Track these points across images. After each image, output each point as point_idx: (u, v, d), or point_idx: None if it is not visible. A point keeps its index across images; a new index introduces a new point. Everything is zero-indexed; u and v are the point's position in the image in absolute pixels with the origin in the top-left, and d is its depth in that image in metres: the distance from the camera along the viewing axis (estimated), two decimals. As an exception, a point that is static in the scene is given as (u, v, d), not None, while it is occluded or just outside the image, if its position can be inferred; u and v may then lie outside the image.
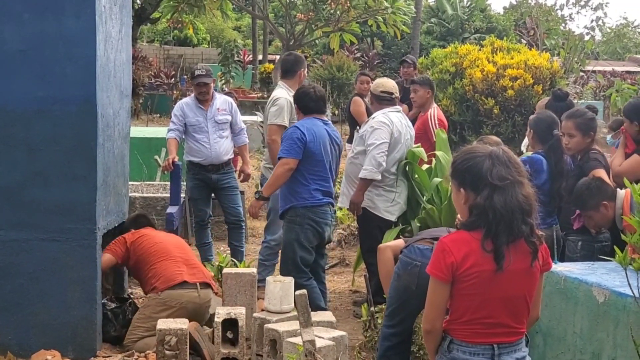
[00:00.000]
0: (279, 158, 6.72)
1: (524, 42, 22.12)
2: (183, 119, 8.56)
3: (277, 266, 8.27)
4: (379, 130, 7.27)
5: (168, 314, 6.08)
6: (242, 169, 9.17)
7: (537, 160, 6.48)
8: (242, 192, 11.48)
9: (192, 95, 8.86)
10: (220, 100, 8.81)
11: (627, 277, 3.84)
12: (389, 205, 7.38)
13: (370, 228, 7.34)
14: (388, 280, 5.60)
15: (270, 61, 34.60)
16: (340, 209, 9.70)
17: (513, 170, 3.42)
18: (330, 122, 7.11)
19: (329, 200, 6.83)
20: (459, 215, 3.82)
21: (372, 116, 7.51)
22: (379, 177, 7.22)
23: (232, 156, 8.92)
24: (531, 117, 7.16)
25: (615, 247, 3.99)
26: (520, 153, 8.32)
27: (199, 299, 6.28)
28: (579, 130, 6.44)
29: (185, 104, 8.75)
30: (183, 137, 8.62)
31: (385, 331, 5.45)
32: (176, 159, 8.28)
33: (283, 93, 7.86)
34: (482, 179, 3.39)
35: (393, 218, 7.43)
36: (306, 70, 8.32)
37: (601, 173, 6.19)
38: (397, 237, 7.08)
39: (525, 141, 8.78)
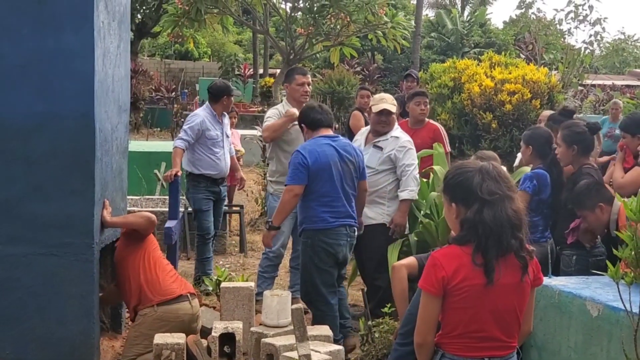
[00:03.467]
0: (285, 185, 6.74)
1: (523, 56, 22.17)
2: (201, 133, 8.60)
3: (276, 280, 8.31)
4: (412, 150, 7.48)
5: (165, 330, 6.05)
6: (239, 175, 9.52)
7: (543, 175, 6.56)
8: (242, 207, 11.54)
9: (206, 108, 8.90)
10: (226, 116, 9.07)
11: (619, 291, 3.86)
12: None
13: (382, 243, 7.35)
14: (402, 298, 5.60)
15: (271, 75, 34.65)
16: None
17: (503, 185, 3.46)
18: (340, 137, 6.97)
19: (342, 222, 6.67)
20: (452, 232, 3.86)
21: (393, 135, 7.52)
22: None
23: None
24: (524, 133, 7.20)
25: (608, 262, 4.02)
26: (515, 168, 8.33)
27: (192, 309, 6.29)
28: (563, 141, 6.55)
29: (205, 117, 8.72)
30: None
31: (400, 349, 5.27)
32: (179, 173, 8.27)
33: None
34: (472, 193, 3.44)
35: (407, 231, 7.50)
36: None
37: None
38: (400, 251, 7.13)
39: (519, 156, 8.79)
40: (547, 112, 10.14)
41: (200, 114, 8.80)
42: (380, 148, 7.45)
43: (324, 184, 6.62)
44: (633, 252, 3.81)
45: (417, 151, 7.89)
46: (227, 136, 8.95)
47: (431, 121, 9.87)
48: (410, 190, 7.34)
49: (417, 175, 7.47)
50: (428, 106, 9.73)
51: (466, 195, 3.48)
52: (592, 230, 6.05)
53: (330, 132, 6.85)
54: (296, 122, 7.84)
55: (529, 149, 6.82)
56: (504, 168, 3.90)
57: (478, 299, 3.42)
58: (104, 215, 6.08)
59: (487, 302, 3.43)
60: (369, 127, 7.87)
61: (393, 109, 7.50)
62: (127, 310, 7.05)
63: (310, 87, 8.20)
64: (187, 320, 6.22)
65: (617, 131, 13.28)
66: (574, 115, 8.50)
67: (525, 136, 7.00)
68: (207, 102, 8.99)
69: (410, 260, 5.73)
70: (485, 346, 3.48)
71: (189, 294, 6.32)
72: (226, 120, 9.01)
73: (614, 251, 3.94)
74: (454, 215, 3.54)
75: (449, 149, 9.54)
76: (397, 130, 7.58)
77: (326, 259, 6.66)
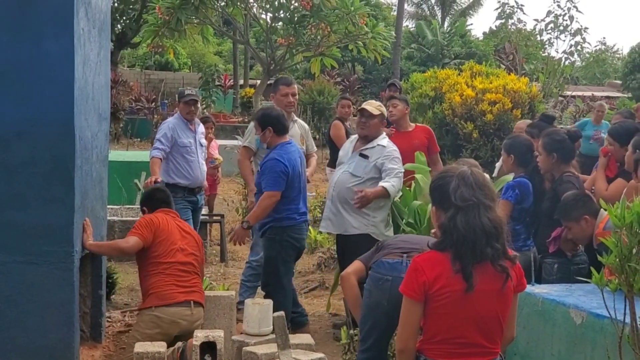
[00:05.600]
0: (265, 190, 6.99)
1: (503, 67, 22.27)
2: (174, 140, 8.58)
3: (258, 289, 8.26)
4: (397, 159, 7.45)
5: (159, 331, 6.15)
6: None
7: (525, 184, 6.55)
8: (223, 216, 11.50)
9: (177, 116, 8.88)
10: (200, 125, 9.02)
11: (603, 298, 3.85)
12: (388, 228, 7.46)
13: (364, 252, 7.32)
14: (356, 306, 5.58)
15: (251, 86, 34.65)
16: (321, 232, 9.82)
17: (478, 192, 3.42)
18: (292, 140, 7.39)
19: (304, 219, 7.26)
20: (433, 231, 3.84)
21: (379, 144, 7.47)
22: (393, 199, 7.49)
23: None
24: (505, 142, 7.19)
25: (592, 269, 4.01)
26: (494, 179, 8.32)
27: (192, 317, 6.29)
28: (544, 149, 6.57)
29: (175, 125, 8.72)
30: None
31: (361, 357, 5.37)
32: (159, 180, 8.22)
33: None
34: (448, 199, 3.43)
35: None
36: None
37: None
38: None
39: (498, 165, 8.78)
40: (520, 123, 10.12)
41: (171, 122, 8.85)
42: (366, 157, 7.41)
43: (294, 188, 7.09)
44: (618, 259, 3.78)
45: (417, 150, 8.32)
46: (201, 145, 8.93)
47: (419, 124, 9.98)
48: (392, 184, 7.21)
49: (402, 177, 7.39)
50: (399, 107, 9.29)
51: (443, 200, 3.48)
52: (574, 240, 6.05)
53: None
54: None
55: (510, 157, 6.81)
56: (487, 176, 3.89)
57: (459, 305, 3.39)
58: (84, 238, 6.07)
59: (468, 308, 3.40)
60: (356, 135, 7.84)
61: (374, 111, 7.44)
62: (107, 318, 7.00)
63: (297, 97, 8.22)
64: (183, 326, 6.23)
65: (603, 134, 13.32)
66: (554, 122, 8.51)
67: (506, 145, 6.98)
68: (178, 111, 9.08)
69: (356, 265, 5.67)
70: (467, 352, 3.45)
71: (192, 301, 6.32)
72: (200, 129, 8.99)
73: (599, 257, 3.91)
74: (435, 219, 3.54)
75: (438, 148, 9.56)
76: (384, 140, 7.54)
77: (291, 253, 7.17)
